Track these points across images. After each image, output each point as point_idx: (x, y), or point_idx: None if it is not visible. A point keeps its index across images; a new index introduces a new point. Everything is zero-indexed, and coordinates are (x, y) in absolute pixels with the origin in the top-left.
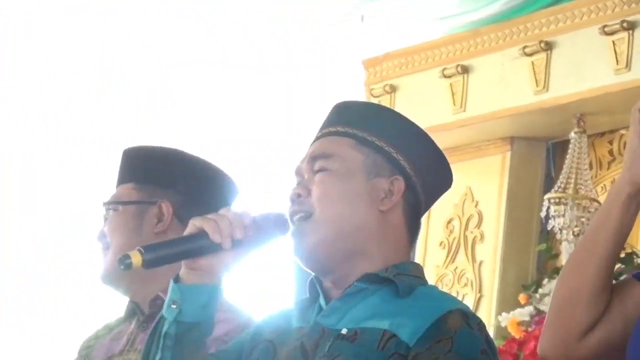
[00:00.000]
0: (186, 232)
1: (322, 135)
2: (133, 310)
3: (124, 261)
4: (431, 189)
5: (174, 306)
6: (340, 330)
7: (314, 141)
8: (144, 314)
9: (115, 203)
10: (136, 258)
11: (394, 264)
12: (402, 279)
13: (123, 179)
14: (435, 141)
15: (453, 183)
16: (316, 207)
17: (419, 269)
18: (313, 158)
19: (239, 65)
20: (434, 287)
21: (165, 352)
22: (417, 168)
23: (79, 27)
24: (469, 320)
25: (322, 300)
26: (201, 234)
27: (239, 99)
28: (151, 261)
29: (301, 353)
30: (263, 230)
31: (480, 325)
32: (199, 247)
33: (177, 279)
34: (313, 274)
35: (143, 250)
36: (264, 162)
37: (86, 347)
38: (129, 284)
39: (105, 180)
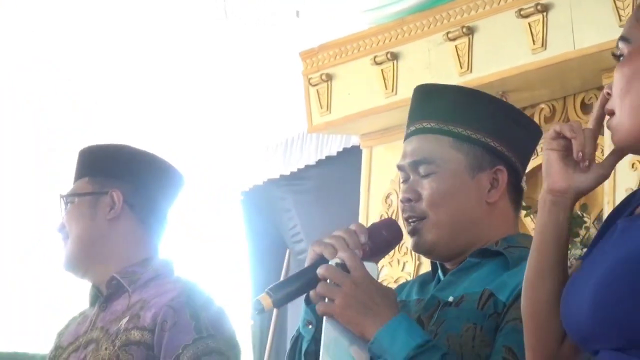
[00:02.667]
0: (307, 261)
1: (417, 131)
2: (96, 295)
3: (257, 307)
4: (527, 156)
5: (310, 326)
6: (448, 298)
7: (409, 135)
8: (103, 295)
9: (72, 196)
10: (266, 301)
11: (502, 238)
12: (511, 252)
13: (79, 175)
14: (518, 109)
15: (389, 161)
16: (429, 212)
17: (527, 239)
18: (417, 162)
19: (182, 60)
20: None
21: None
22: (514, 148)
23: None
24: None
25: (440, 274)
26: (321, 260)
27: (183, 94)
28: (280, 301)
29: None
30: (379, 241)
31: None
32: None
33: (308, 301)
34: None
35: (271, 293)
36: (207, 154)
37: (59, 334)
38: (87, 269)
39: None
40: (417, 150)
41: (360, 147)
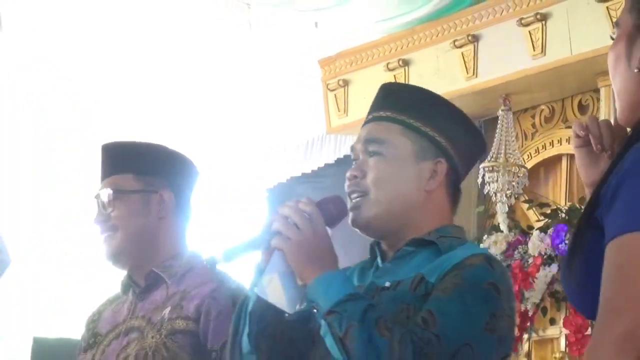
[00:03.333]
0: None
1: (374, 119)
2: (128, 284)
3: (211, 262)
4: (468, 162)
5: (257, 289)
6: (385, 283)
7: (366, 123)
8: (139, 286)
9: (121, 192)
10: (220, 259)
11: (436, 228)
12: (443, 241)
13: (118, 170)
14: (470, 119)
15: None
16: (371, 189)
17: (459, 230)
18: (367, 141)
19: (209, 67)
20: (473, 244)
21: (252, 326)
22: (457, 147)
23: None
24: (492, 262)
25: (379, 261)
26: (271, 229)
27: (212, 99)
28: (231, 258)
29: None
30: (326, 214)
31: (503, 270)
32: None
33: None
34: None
35: (224, 255)
36: (235, 155)
37: (92, 321)
38: (132, 262)
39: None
40: (370, 133)
41: None
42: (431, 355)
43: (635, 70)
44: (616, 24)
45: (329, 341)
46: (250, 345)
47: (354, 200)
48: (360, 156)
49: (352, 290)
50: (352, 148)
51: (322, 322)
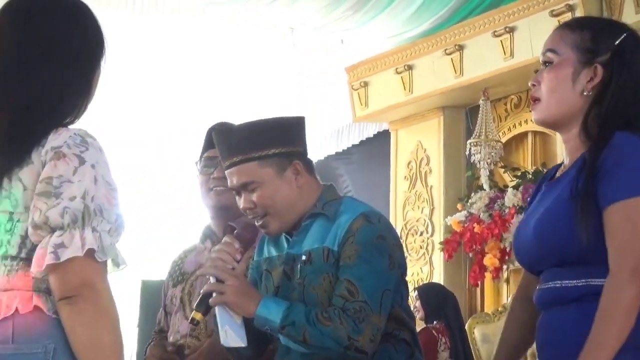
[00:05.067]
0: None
1: (232, 164)
2: (207, 234)
3: (193, 321)
4: (304, 140)
5: None
6: (301, 256)
7: (228, 168)
8: (217, 236)
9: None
10: (198, 316)
11: (317, 198)
12: (328, 208)
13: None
14: (286, 117)
15: (409, 139)
16: (266, 210)
17: (331, 190)
18: (242, 186)
19: (258, 75)
20: (349, 201)
21: None
22: (294, 143)
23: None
24: (370, 218)
25: (287, 236)
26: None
27: (254, 96)
28: (205, 312)
29: (285, 276)
30: (246, 241)
31: (381, 220)
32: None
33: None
34: None
35: (197, 309)
36: None
37: (177, 265)
38: (230, 217)
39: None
40: (238, 178)
41: (389, 131)
42: (366, 317)
43: (585, 93)
44: (551, 50)
45: (293, 345)
46: None
47: (259, 222)
48: (243, 194)
49: (285, 304)
50: (232, 188)
51: (280, 336)
